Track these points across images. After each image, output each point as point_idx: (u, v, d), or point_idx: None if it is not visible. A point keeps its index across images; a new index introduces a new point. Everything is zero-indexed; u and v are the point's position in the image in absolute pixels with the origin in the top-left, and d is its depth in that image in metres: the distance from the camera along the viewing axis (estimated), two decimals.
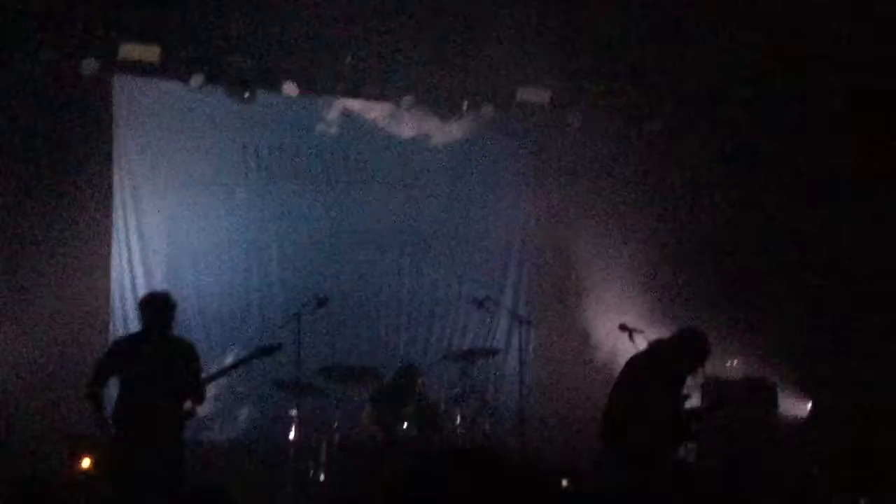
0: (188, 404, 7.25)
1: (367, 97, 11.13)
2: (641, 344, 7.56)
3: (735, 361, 10.48)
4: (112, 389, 7.41)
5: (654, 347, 6.98)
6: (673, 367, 6.85)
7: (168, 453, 7.11)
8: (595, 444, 7.11)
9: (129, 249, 10.32)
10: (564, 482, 8.50)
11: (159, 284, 9.87)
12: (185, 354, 7.36)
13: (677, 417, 6.84)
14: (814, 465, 9.36)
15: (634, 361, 7.00)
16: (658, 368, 6.80)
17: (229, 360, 10.15)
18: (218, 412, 10.13)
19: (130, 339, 7.62)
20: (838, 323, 10.59)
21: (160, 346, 7.25)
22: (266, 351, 7.71)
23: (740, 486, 8.64)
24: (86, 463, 8.45)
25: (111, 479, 7.21)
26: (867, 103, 10.27)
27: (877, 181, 10.39)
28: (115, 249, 10.27)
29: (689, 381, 7.09)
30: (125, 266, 10.26)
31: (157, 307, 7.30)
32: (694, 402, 7.95)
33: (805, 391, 10.52)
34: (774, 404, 9.87)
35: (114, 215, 10.30)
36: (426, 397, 9.89)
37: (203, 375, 7.41)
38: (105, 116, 10.26)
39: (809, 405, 10.53)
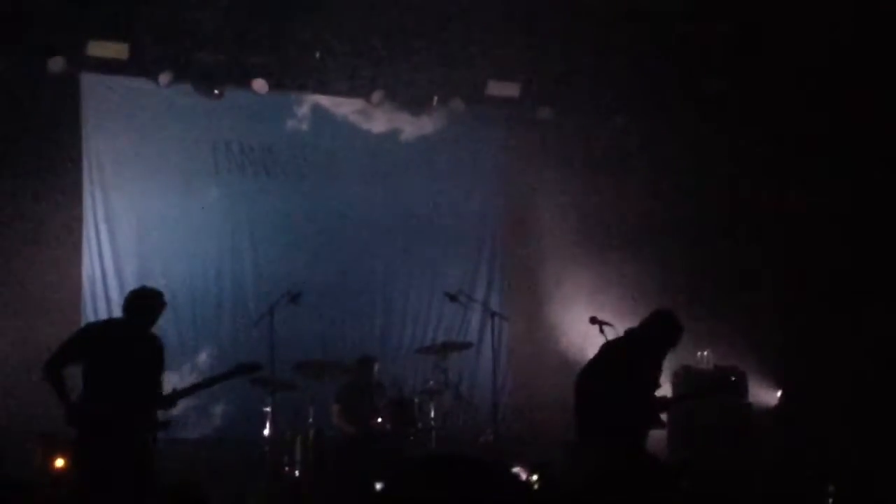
0: (161, 414, 7.14)
1: (337, 93, 11.14)
2: (612, 337, 7.62)
3: (706, 352, 10.58)
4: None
5: (628, 333, 7.01)
6: (648, 351, 6.88)
7: (140, 445, 7.01)
8: (567, 436, 7.14)
9: (99, 247, 10.28)
10: (535, 477, 8.58)
11: (130, 282, 9.83)
12: (159, 349, 7.26)
13: (650, 403, 6.86)
14: (783, 453, 9.47)
15: (608, 347, 7.03)
16: (633, 353, 6.83)
17: (203, 357, 10.20)
18: (192, 408, 10.09)
19: (105, 326, 7.43)
20: (808, 313, 10.71)
21: (140, 338, 7.13)
22: (246, 369, 7.59)
23: (709, 474, 8.72)
24: (59, 462, 8.40)
25: (82, 474, 7.01)
26: (839, 93, 10.37)
27: (851, 172, 10.51)
28: (85, 247, 10.23)
29: (665, 366, 7.12)
30: (96, 264, 10.22)
31: (150, 303, 7.19)
32: (665, 389, 8.00)
33: (775, 380, 10.64)
34: (745, 393, 9.98)
35: (84, 213, 10.27)
36: (385, 386, 9.93)
37: (178, 388, 7.28)
38: (73, 114, 10.22)
39: (779, 394, 10.65)
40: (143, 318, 7.09)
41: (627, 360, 6.80)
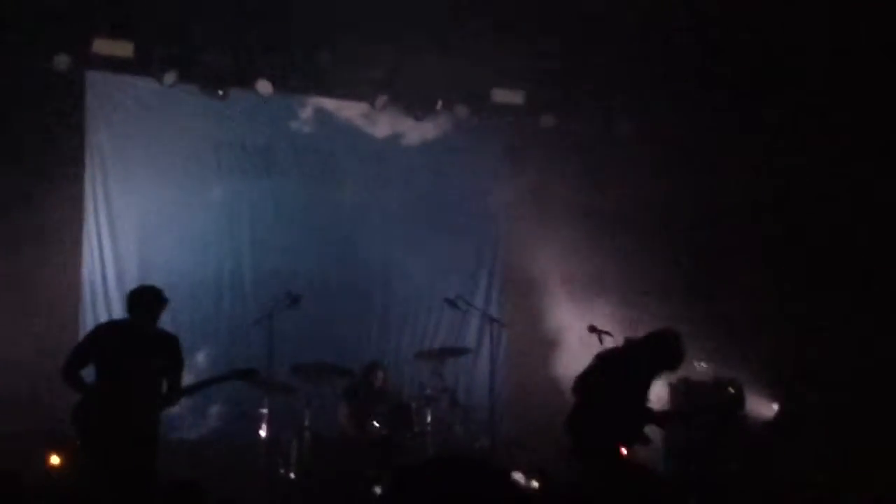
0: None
1: (341, 97, 11.16)
2: (610, 346, 7.62)
3: (704, 363, 10.56)
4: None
5: (627, 345, 7.00)
6: (645, 368, 6.87)
7: (144, 444, 7.04)
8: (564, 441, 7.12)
9: (100, 246, 10.28)
10: (535, 483, 8.58)
11: (130, 281, 9.82)
12: (170, 347, 7.29)
13: (638, 416, 6.84)
14: (782, 468, 9.41)
15: (604, 356, 7.01)
16: (627, 366, 6.81)
17: (201, 357, 10.17)
18: (189, 409, 10.08)
19: (114, 326, 7.50)
20: (808, 324, 10.70)
21: (146, 336, 7.17)
22: (241, 374, 7.64)
23: (708, 487, 8.68)
24: (54, 460, 8.40)
25: (84, 472, 7.05)
26: (838, 88, 10.37)
27: (847, 181, 10.51)
28: (86, 246, 10.23)
29: (663, 377, 7.09)
30: (96, 263, 10.21)
31: (149, 300, 7.24)
32: (663, 400, 7.99)
33: (773, 393, 10.62)
34: (742, 405, 9.96)
35: (85, 212, 10.27)
36: (390, 392, 9.97)
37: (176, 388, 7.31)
38: (77, 112, 10.22)
39: (776, 406, 10.64)
40: (143, 316, 7.13)
41: (623, 374, 6.77)
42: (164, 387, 7.17)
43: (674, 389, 9.79)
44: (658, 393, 7.67)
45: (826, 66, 10.20)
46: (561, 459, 8.48)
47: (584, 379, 6.86)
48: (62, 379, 7.03)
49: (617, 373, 6.75)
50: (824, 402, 9.95)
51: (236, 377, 7.52)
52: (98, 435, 6.86)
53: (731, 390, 9.97)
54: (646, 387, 6.90)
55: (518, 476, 8.54)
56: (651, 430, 7.17)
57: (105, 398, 6.90)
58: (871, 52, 9.85)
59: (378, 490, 8.91)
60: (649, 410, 6.94)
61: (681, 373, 9.67)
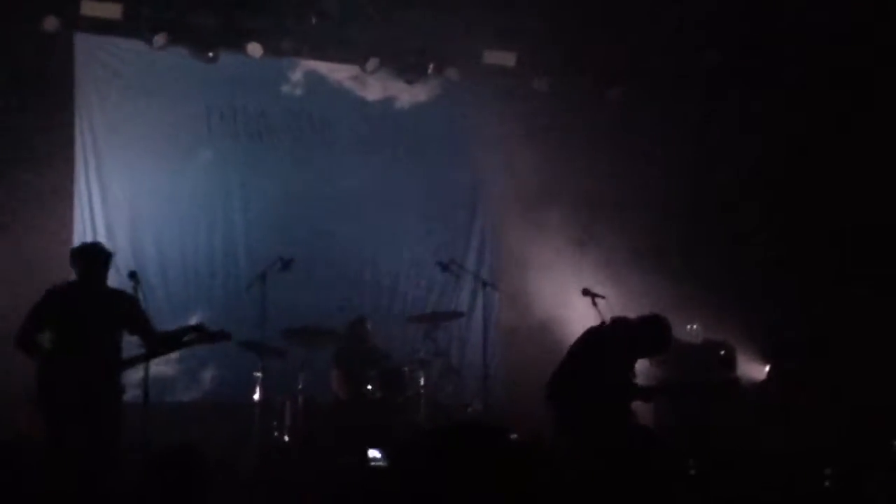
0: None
1: (332, 59, 11.09)
2: (603, 308, 7.64)
3: (695, 325, 10.61)
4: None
5: (617, 324, 7.01)
6: (631, 350, 6.90)
7: (111, 402, 7.02)
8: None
9: (91, 210, 10.23)
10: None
11: (122, 245, 9.86)
12: (125, 302, 7.23)
13: (624, 391, 6.88)
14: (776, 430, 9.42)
15: (592, 332, 7.04)
16: (614, 345, 6.84)
17: (193, 322, 10.16)
18: (182, 373, 10.14)
19: (65, 288, 7.29)
20: (797, 287, 10.75)
21: (99, 294, 7.13)
22: (212, 336, 7.49)
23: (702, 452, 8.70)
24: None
25: (51, 436, 6.91)
26: (843, 65, 10.35)
27: (841, 151, 10.52)
28: (77, 210, 10.18)
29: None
30: (88, 227, 10.17)
31: (91, 257, 7.17)
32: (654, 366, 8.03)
33: (763, 355, 10.68)
34: (733, 367, 10.02)
35: (76, 176, 10.20)
36: (380, 349, 9.99)
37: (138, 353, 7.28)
38: (67, 75, 10.13)
39: (767, 368, 10.70)
40: (92, 274, 7.06)
41: (608, 354, 6.80)
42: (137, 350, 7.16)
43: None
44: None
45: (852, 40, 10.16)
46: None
47: (572, 354, 6.91)
48: (16, 346, 6.92)
49: (604, 349, 6.79)
50: (815, 365, 10.00)
51: (208, 339, 7.44)
52: (64, 397, 6.82)
53: (722, 352, 10.03)
54: (631, 365, 6.94)
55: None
56: (639, 405, 7.23)
57: (66, 360, 6.86)
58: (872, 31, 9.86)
59: (373, 453, 8.98)
60: (636, 386, 6.98)
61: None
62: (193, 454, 5.06)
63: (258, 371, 9.32)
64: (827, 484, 8.05)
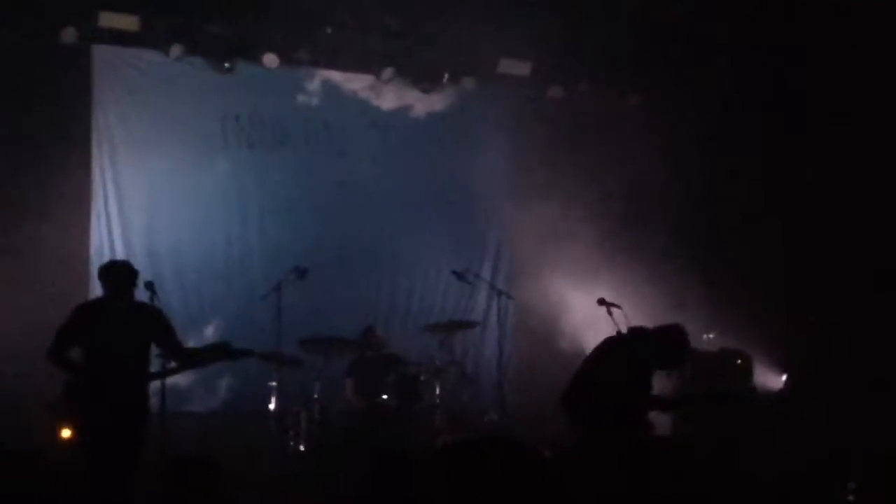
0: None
1: (348, 69, 11.12)
2: (619, 319, 7.60)
3: (712, 334, 10.57)
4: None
5: (634, 334, 6.97)
6: (647, 358, 6.87)
7: (137, 418, 7.06)
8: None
9: (108, 219, 10.30)
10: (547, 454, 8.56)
11: (139, 254, 9.89)
12: (152, 317, 7.26)
13: (642, 403, 6.84)
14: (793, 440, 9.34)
15: (610, 342, 7.01)
16: (632, 355, 6.81)
17: (210, 331, 10.20)
18: (198, 383, 10.15)
19: (93, 304, 7.39)
20: (816, 297, 10.69)
21: (127, 310, 7.16)
22: (237, 354, 7.48)
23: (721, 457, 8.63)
24: (66, 433, 8.42)
25: (78, 451, 7.02)
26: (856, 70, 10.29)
27: (855, 159, 10.45)
28: (94, 219, 10.25)
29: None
30: (105, 236, 10.24)
31: (117, 274, 7.20)
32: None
33: (780, 364, 10.63)
34: (750, 376, 9.95)
35: (93, 185, 10.27)
36: (393, 353, 9.96)
37: (167, 367, 7.31)
38: (84, 86, 10.20)
39: (784, 378, 10.64)
40: (120, 290, 7.09)
41: (628, 361, 6.77)
42: (154, 359, 7.18)
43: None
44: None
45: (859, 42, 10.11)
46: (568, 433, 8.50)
47: (588, 363, 6.89)
48: (49, 362, 6.95)
49: (622, 359, 6.76)
50: (832, 373, 9.92)
51: (231, 357, 7.43)
52: (93, 413, 6.86)
53: (739, 362, 9.97)
54: (649, 374, 6.90)
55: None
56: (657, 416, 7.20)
57: (96, 376, 6.91)
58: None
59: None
60: (653, 397, 6.95)
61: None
62: (209, 464, 5.06)
63: (274, 381, 9.33)
64: (851, 499, 7.93)
